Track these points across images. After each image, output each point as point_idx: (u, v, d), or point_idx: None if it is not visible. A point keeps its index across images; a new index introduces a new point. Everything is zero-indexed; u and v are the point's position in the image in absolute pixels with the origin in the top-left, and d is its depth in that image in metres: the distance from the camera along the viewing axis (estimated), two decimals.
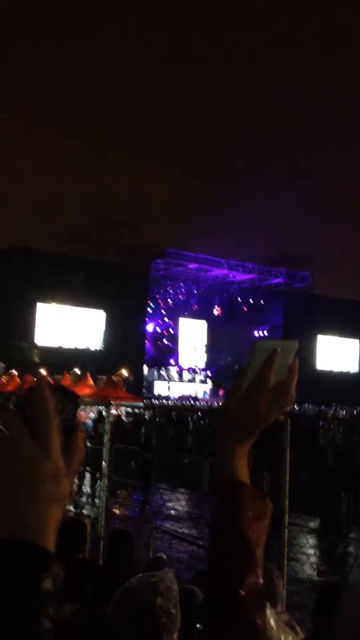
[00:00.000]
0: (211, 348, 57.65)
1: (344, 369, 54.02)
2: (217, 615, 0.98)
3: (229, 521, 1.01)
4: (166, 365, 51.14)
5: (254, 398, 1.03)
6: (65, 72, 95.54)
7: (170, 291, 54.71)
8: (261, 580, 0.99)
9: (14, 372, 28.30)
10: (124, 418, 19.68)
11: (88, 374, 25.87)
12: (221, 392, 44.43)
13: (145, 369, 47.08)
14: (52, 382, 0.83)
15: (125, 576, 3.80)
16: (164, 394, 45.01)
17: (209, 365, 55.74)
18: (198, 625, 2.84)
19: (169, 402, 36.68)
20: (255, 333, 53.30)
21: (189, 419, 19.18)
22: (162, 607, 1.69)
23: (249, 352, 1.05)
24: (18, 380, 26.73)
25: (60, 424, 0.81)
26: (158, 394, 44.64)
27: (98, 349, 43.05)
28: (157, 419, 19.01)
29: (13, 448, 0.78)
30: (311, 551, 10.87)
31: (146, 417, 19.18)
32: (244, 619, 0.96)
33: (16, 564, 0.72)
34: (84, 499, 13.24)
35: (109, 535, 5.04)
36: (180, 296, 55.70)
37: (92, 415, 17.15)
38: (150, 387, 46.40)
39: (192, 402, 37.76)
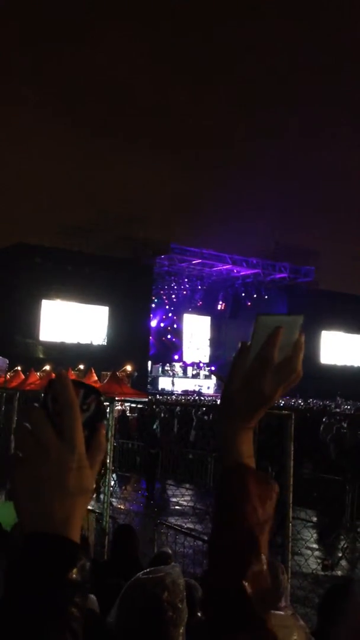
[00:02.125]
0: (215, 343, 57.68)
1: (348, 363, 53.98)
2: (219, 605, 0.95)
3: (231, 505, 0.97)
4: (170, 360, 51.18)
5: (257, 376, 0.98)
6: (66, 71, 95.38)
7: (174, 287, 54.71)
8: (266, 567, 0.94)
9: (19, 368, 28.38)
10: (128, 413, 19.72)
11: (92, 370, 25.94)
12: None
13: (150, 364, 47.12)
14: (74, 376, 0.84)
15: (130, 571, 3.83)
16: (168, 389, 45.07)
17: (213, 361, 55.76)
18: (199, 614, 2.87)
19: (173, 397, 36.75)
20: None
21: (193, 414, 19.18)
22: (168, 601, 1.70)
23: (252, 329, 1.00)
24: (22, 376, 26.80)
25: (83, 419, 0.82)
26: (162, 389, 44.71)
27: (102, 344, 43.10)
28: (163, 415, 19.02)
29: (38, 443, 0.79)
30: (315, 545, 10.89)
31: (150, 412, 19.20)
32: (248, 613, 0.92)
33: (45, 555, 0.75)
34: None
35: (114, 530, 5.07)
36: (184, 292, 55.69)
37: None
38: (154, 382, 46.45)
39: (196, 397, 37.81)
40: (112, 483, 9.34)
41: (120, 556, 4.27)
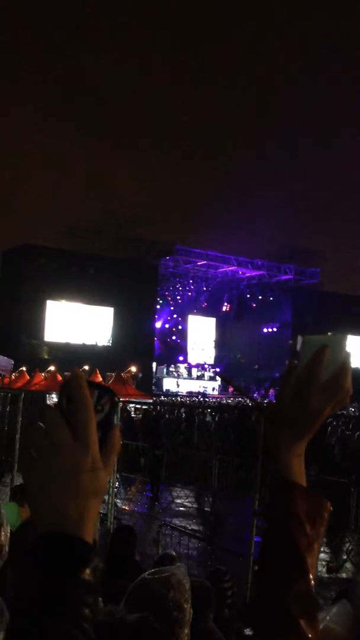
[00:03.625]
0: (220, 345, 57.66)
1: (354, 366, 53.79)
2: (262, 623, 0.95)
3: (278, 523, 0.96)
4: (175, 361, 51.17)
5: (303, 394, 0.99)
6: (69, 71, 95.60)
7: (179, 288, 54.74)
8: (312, 588, 0.94)
9: (23, 368, 28.41)
10: (133, 415, 19.71)
11: (97, 371, 25.96)
12: (230, 389, 44.41)
13: (154, 365, 47.12)
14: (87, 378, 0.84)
15: (128, 571, 3.83)
16: (172, 390, 45.05)
17: (217, 362, 55.74)
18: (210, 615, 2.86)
19: (178, 398, 36.72)
20: (265, 330, 53.25)
21: (195, 415, 19.17)
22: (174, 601, 1.70)
23: (298, 350, 1.02)
24: (27, 376, 26.83)
25: (97, 419, 0.82)
26: (167, 390, 44.69)
27: (107, 345, 43.13)
28: (167, 416, 19.01)
29: (52, 443, 0.79)
30: (320, 547, 10.87)
31: (155, 413, 19.20)
32: (291, 630, 0.91)
33: (59, 555, 0.75)
34: None
35: (113, 531, 5.07)
36: (189, 293, 55.72)
37: None
38: (159, 383, 46.43)
39: (201, 398, 37.78)
40: (117, 484, 9.34)
41: (118, 557, 4.26)
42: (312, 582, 0.95)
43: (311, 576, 0.95)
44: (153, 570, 1.85)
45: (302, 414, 1.00)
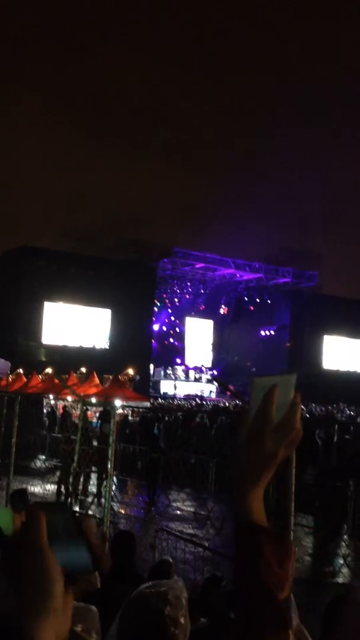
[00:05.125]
0: (218, 347, 57.62)
1: (351, 369, 53.80)
2: None
3: (246, 565, 0.98)
4: (173, 364, 51.12)
5: (258, 436, 1.01)
6: (71, 76, 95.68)
7: (177, 290, 54.72)
8: (288, 628, 0.96)
9: (21, 371, 28.38)
10: (130, 418, 19.68)
11: (94, 373, 25.90)
12: (228, 393, 44.38)
13: (152, 368, 47.07)
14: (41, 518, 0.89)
15: (128, 577, 3.81)
16: (170, 393, 45.00)
17: (215, 365, 55.69)
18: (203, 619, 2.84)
19: (175, 401, 36.69)
20: (262, 333, 53.25)
21: (194, 418, 19.15)
22: (170, 616, 1.68)
23: (249, 392, 1.04)
24: (24, 379, 26.80)
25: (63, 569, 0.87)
26: (164, 393, 44.64)
27: (104, 347, 43.09)
28: (166, 418, 18.99)
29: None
30: (317, 552, 10.84)
31: (152, 416, 19.17)
32: None
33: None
34: (89, 499, 13.24)
35: (114, 537, 5.04)
36: (187, 295, 55.71)
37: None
38: (156, 386, 46.37)
39: (198, 401, 37.74)
40: (113, 488, 9.31)
41: (118, 562, 4.24)
42: (290, 622, 0.98)
43: (286, 617, 0.97)
44: (149, 583, 1.82)
45: (259, 456, 1.02)
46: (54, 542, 0.88)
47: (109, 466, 7.59)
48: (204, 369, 52.25)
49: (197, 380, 49.45)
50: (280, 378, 1.04)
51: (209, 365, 55.15)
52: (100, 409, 14.66)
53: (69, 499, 10.99)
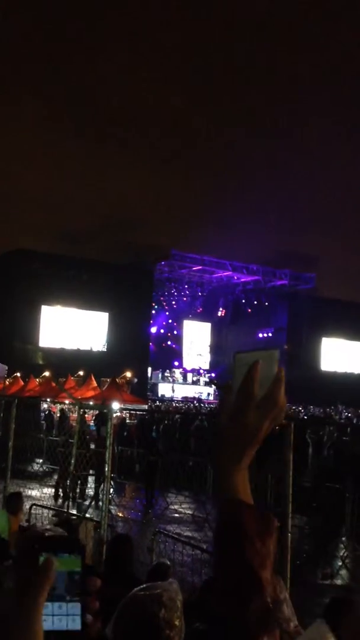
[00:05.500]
0: (215, 350, 57.65)
1: (349, 370, 53.88)
2: (222, 635, 0.94)
3: (229, 543, 0.96)
4: (170, 367, 51.14)
5: (241, 413, 1.00)
6: (69, 73, 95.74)
7: (175, 293, 54.73)
8: (269, 601, 0.93)
9: (18, 374, 28.35)
10: (127, 421, 19.66)
11: (92, 376, 25.88)
12: None
13: (150, 370, 47.07)
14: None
15: (125, 580, 3.80)
16: (168, 395, 45.00)
17: (213, 367, 55.71)
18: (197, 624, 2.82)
19: (173, 403, 36.68)
20: (260, 335, 53.28)
21: (193, 421, 19.14)
22: (165, 619, 1.66)
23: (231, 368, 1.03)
24: (21, 382, 26.77)
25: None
26: (162, 396, 44.63)
27: (102, 350, 43.08)
28: (166, 421, 18.97)
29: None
30: (315, 554, 10.82)
31: (149, 419, 19.16)
32: None
33: None
34: (87, 503, 13.21)
35: (111, 540, 5.04)
36: (185, 298, 55.75)
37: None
38: (154, 388, 46.38)
39: (196, 403, 37.75)
40: (111, 491, 9.29)
41: (115, 565, 4.23)
42: (269, 598, 0.94)
43: (267, 593, 0.94)
44: (144, 586, 1.81)
45: (241, 431, 1.01)
46: (48, 600, 0.86)
47: (107, 469, 7.57)
48: (201, 371, 52.27)
49: (195, 382, 49.47)
50: (263, 353, 1.02)
51: (207, 367, 55.18)
52: (97, 412, 14.66)
53: (66, 502, 10.97)
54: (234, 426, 1.01)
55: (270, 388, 1.01)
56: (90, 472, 12.40)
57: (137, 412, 19.98)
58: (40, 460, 15.74)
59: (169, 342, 55.70)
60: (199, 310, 56.89)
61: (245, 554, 0.94)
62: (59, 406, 19.06)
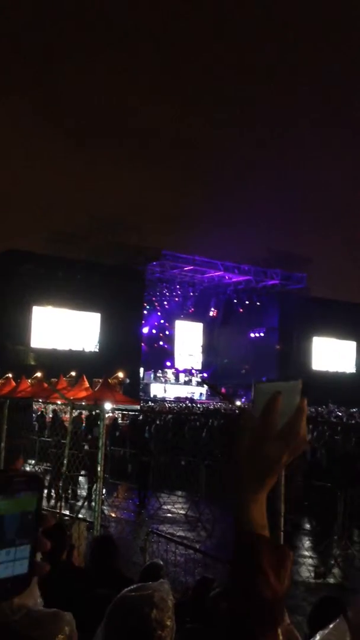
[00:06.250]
0: (207, 350, 57.67)
1: (340, 370, 54.02)
2: None
3: (245, 576, 0.97)
4: (162, 367, 51.11)
5: (261, 443, 1.00)
6: (66, 75, 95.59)
7: (166, 293, 54.70)
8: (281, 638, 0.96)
9: (9, 375, 28.26)
10: (119, 421, 19.63)
11: (84, 377, 25.83)
12: (223, 390, 44.50)
13: (142, 371, 47.03)
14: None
15: (109, 580, 3.79)
16: (160, 396, 44.98)
17: (205, 367, 55.73)
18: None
19: (166, 404, 36.66)
20: (251, 335, 53.34)
21: (186, 421, 19.14)
22: (157, 619, 1.66)
23: (252, 399, 1.04)
24: (13, 383, 26.68)
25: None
26: (154, 396, 44.61)
27: (94, 351, 43.00)
28: (157, 422, 18.96)
29: None
30: (308, 553, 10.86)
31: (142, 419, 19.15)
32: None
33: None
34: (79, 503, 13.19)
35: (93, 541, 5.03)
36: (176, 298, 55.72)
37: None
38: (146, 389, 46.34)
39: (189, 403, 37.76)
40: (104, 491, 9.28)
41: (98, 566, 4.22)
42: (282, 632, 0.96)
43: (279, 627, 0.96)
44: (135, 586, 1.81)
45: (261, 462, 1.01)
46: None
47: (99, 469, 7.56)
48: (193, 371, 52.27)
49: (187, 383, 49.46)
50: (284, 384, 1.02)
51: (199, 367, 55.19)
52: (88, 413, 14.64)
53: (59, 503, 10.95)
54: (254, 456, 1.01)
55: (292, 418, 1.01)
56: (82, 472, 12.39)
57: (130, 413, 19.96)
58: (33, 462, 15.70)
59: (160, 343, 55.67)
60: (190, 311, 56.88)
61: (260, 590, 0.95)
62: (50, 407, 19.00)
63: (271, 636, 0.95)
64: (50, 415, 18.87)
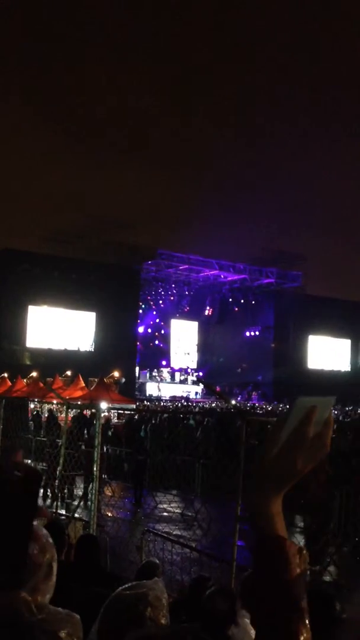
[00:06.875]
0: (203, 349, 57.70)
1: (335, 368, 54.09)
2: None
3: (274, 576, 1.03)
4: (158, 366, 51.12)
5: (291, 452, 1.06)
6: (62, 73, 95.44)
7: (162, 292, 54.71)
8: (309, 634, 1.02)
9: (5, 375, 28.23)
10: (115, 420, 19.63)
11: (79, 376, 25.82)
12: (218, 389, 44.52)
13: (137, 370, 47.03)
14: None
15: (95, 579, 3.81)
16: (155, 395, 45.00)
17: (200, 366, 55.76)
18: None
19: (161, 403, 36.67)
20: (247, 333, 53.39)
21: (182, 420, 19.15)
22: (151, 617, 1.67)
23: (288, 409, 1.09)
24: (9, 383, 26.64)
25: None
26: (150, 395, 44.62)
27: (89, 350, 42.98)
28: (153, 421, 18.96)
29: None
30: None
31: (138, 418, 19.15)
32: None
33: None
34: (75, 502, 13.19)
35: (76, 541, 5.03)
36: (172, 297, 55.71)
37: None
38: (142, 388, 46.35)
39: (184, 402, 37.78)
40: (100, 490, 9.29)
41: (83, 565, 4.24)
42: (308, 624, 1.03)
43: (308, 622, 1.03)
44: (129, 584, 1.81)
45: (288, 469, 1.07)
46: None
47: (95, 469, 7.57)
48: (189, 370, 52.29)
49: (182, 382, 49.49)
50: (320, 399, 1.09)
51: (195, 366, 55.22)
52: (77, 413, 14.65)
53: (55, 502, 10.96)
54: (281, 462, 1.07)
55: (320, 431, 1.08)
56: (79, 472, 12.38)
57: (125, 412, 19.97)
58: (29, 461, 15.70)
59: (156, 342, 55.68)
60: (186, 309, 56.89)
61: (290, 589, 1.02)
62: (46, 406, 19.00)
63: (304, 627, 1.01)
64: (46, 415, 18.86)
